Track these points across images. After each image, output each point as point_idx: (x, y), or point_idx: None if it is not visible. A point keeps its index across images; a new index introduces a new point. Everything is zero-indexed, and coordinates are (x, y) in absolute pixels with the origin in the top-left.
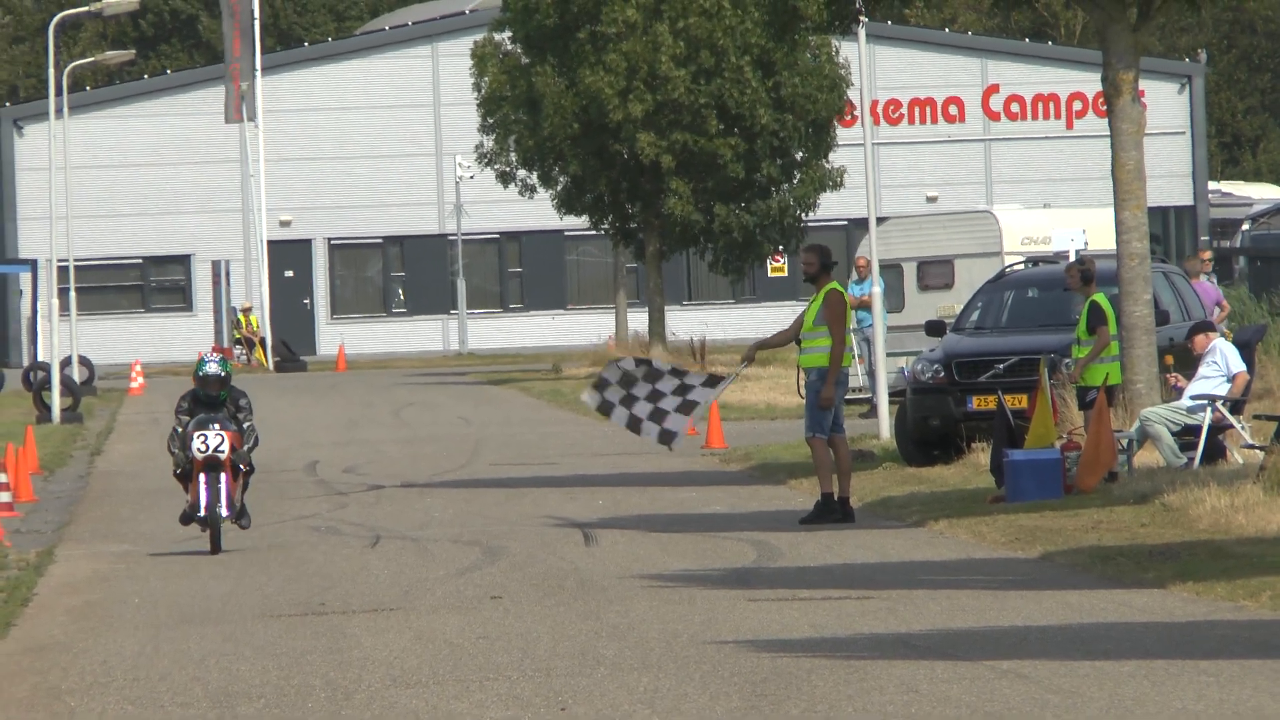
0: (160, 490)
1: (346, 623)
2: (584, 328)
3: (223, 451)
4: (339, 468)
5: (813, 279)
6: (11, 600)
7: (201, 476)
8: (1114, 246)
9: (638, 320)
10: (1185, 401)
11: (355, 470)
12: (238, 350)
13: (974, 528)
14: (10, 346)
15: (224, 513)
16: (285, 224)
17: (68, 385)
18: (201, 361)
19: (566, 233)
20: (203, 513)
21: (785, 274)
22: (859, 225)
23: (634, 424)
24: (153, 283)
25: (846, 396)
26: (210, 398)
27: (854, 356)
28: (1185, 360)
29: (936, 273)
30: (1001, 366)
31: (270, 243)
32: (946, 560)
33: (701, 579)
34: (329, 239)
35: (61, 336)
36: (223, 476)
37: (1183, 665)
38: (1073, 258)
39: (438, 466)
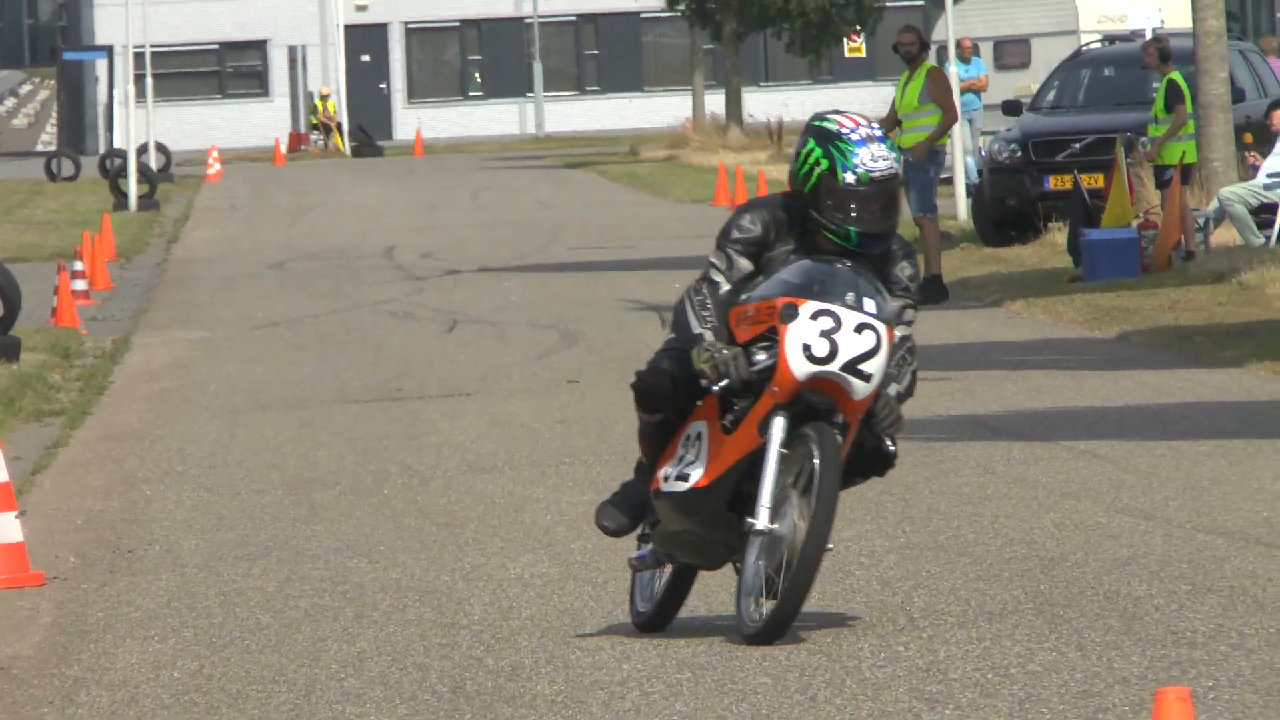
0: (238, 276)
1: (423, 408)
2: (661, 110)
3: (870, 373)
4: (416, 252)
5: (911, 59)
6: (89, 388)
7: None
8: (1190, 24)
9: (715, 102)
10: (1262, 179)
11: (432, 255)
12: (314, 136)
13: (1051, 307)
14: (87, 134)
15: None
16: (362, 8)
17: (144, 172)
18: (846, 144)
19: (643, 14)
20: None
21: (863, 54)
22: (936, 4)
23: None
24: (229, 68)
25: (942, 175)
26: (868, 238)
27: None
28: (1263, 138)
29: (1013, 52)
30: (1078, 145)
31: (347, 27)
32: (1024, 340)
33: None
34: (406, 23)
35: (138, 123)
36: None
37: (1260, 445)
38: (1149, 35)
39: (515, 250)
